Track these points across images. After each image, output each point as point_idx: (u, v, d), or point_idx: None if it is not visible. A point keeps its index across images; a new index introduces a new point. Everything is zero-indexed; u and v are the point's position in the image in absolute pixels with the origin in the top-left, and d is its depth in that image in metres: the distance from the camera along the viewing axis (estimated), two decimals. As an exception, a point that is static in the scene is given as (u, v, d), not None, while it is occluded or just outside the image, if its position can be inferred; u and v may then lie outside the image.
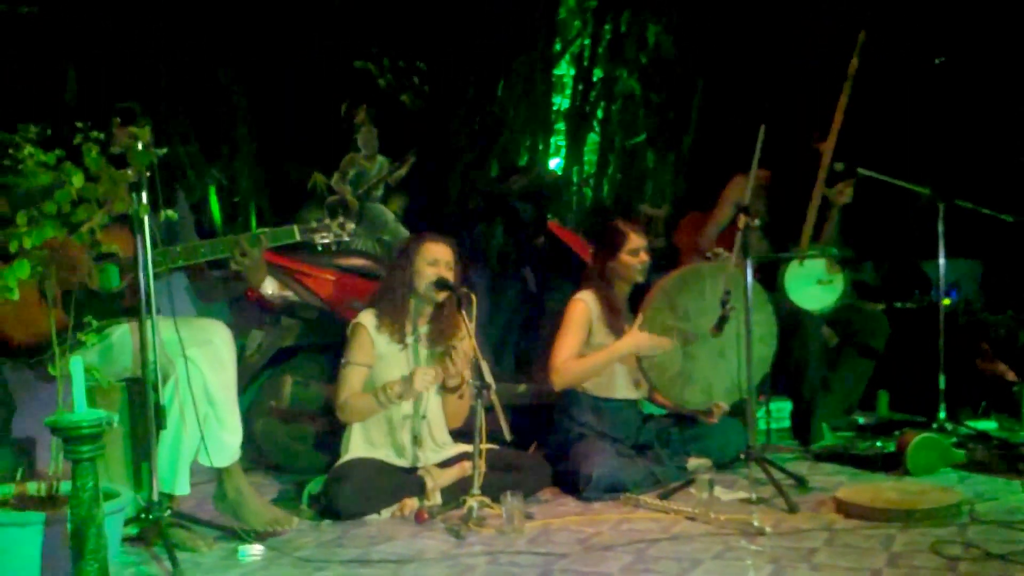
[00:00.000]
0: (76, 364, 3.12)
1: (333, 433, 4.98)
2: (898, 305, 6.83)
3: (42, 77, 6.48)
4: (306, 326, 5.63)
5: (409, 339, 4.74)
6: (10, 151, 3.39)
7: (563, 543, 4.07)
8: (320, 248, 4.38)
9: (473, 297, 4.53)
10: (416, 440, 4.71)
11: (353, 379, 4.68)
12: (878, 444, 5.44)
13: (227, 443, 4.14)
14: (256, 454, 5.44)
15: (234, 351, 4.24)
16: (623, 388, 5.13)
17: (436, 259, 4.70)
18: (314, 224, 4.32)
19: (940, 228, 5.76)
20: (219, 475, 4.21)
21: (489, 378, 4.33)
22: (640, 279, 5.13)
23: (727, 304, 4.71)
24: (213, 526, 4.13)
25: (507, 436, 4.32)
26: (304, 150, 7.10)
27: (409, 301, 4.74)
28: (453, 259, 4.75)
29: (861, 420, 6.16)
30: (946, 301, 6.11)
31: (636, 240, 5.11)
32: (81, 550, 3.02)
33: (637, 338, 4.94)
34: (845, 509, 4.35)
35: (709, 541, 4.05)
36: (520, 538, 4.14)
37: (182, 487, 4.08)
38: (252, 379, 5.51)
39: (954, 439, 5.49)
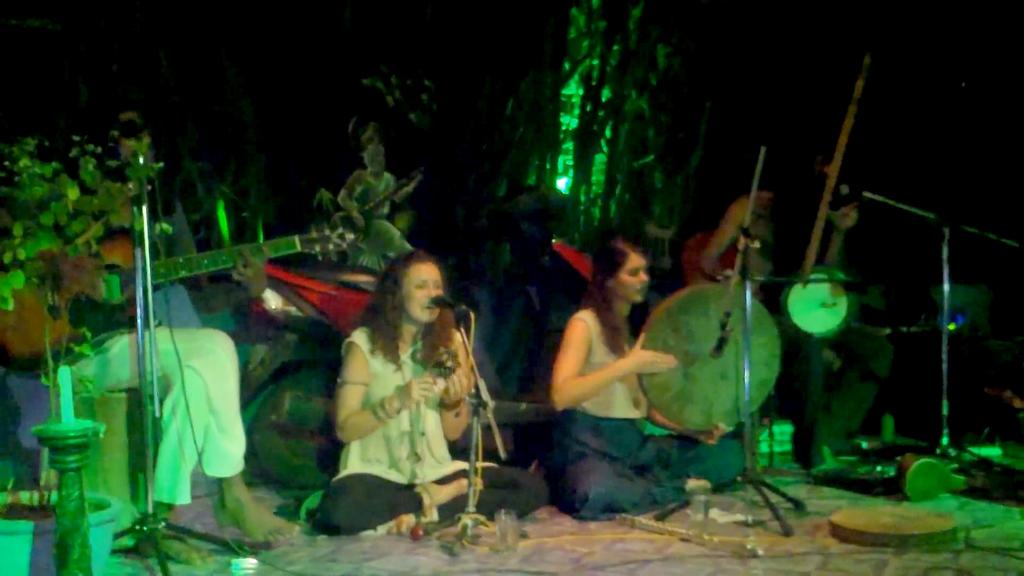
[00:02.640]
0: (64, 374, 3.13)
1: (333, 448, 4.99)
2: (904, 330, 6.81)
3: (53, 90, 6.55)
4: (309, 341, 5.65)
5: (403, 357, 4.75)
6: (6, 163, 3.42)
7: (555, 562, 4.07)
8: (321, 259, 4.40)
9: (472, 314, 4.53)
10: (415, 456, 4.71)
11: (350, 398, 4.69)
12: (878, 469, 5.43)
13: (229, 453, 4.16)
14: (257, 468, 5.45)
15: (236, 361, 4.25)
16: (622, 407, 5.13)
17: (424, 280, 4.70)
18: (314, 234, 4.33)
19: (945, 253, 5.74)
20: (220, 485, 4.23)
21: (486, 396, 4.33)
22: (639, 299, 5.13)
23: (726, 326, 4.72)
24: (208, 538, 4.13)
25: (502, 454, 4.33)
26: (311, 166, 7.14)
27: (402, 323, 4.75)
28: (440, 276, 4.75)
29: (864, 444, 6.14)
30: (952, 326, 6.10)
31: (636, 260, 5.11)
32: (65, 560, 3.03)
33: (639, 356, 4.94)
34: (840, 533, 4.34)
35: (701, 562, 4.04)
36: (513, 556, 4.13)
37: (183, 497, 4.09)
38: (255, 393, 5.53)
39: (956, 465, 5.46)
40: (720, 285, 4.88)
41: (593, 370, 5.02)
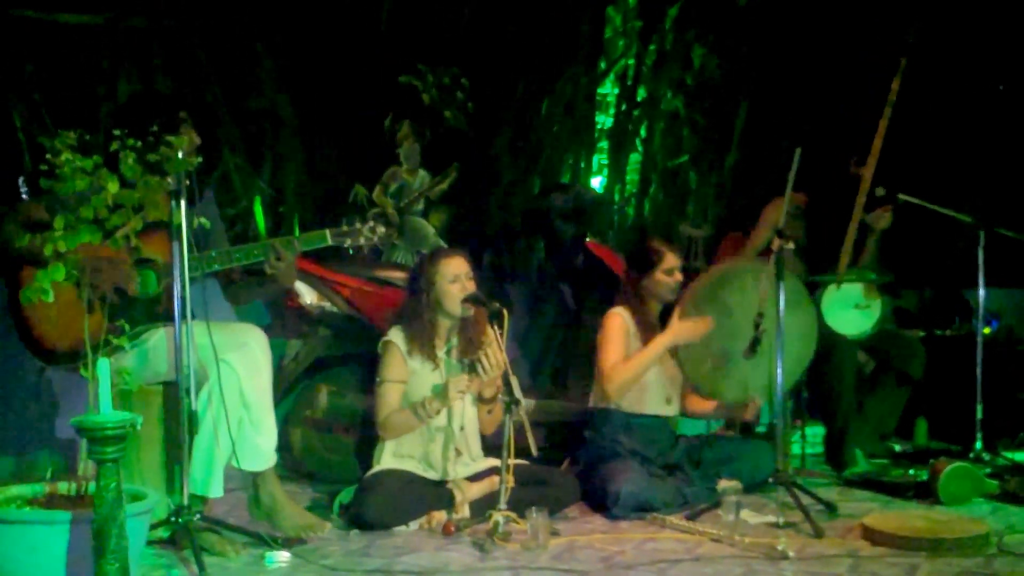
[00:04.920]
0: (103, 366, 3.17)
1: (367, 443, 5.01)
2: (938, 333, 6.77)
3: (93, 85, 6.61)
4: (343, 337, 5.68)
5: (440, 353, 4.77)
6: (48, 157, 3.46)
7: (586, 560, 4.08)
8: (353, 253, 4.43)
9: (505, 312, 4.55)
10: (455, 452, 4.73)
11: (390, 397, 4.71)
12: (911, 472, 5.41)
13: (261, 447, 4.19)
14: (291, 463, 5.50)
15: (270, 356, 4.28)
16: (654, 404, 5.14)
17: (456, 275, 4.71)
18: (345, 228, 4.36)
19: (980, 256, 5.71)
20: (254, 480, 4.26)
21: (519, 394, 4.35)
22: (672, 298, 5.14)
23: (759, 326, 4.72)
24: (243, 531, 4.17)
25: (533, 451, 4.34)
26: (348, 162, 7.17)
27: (438, 321, 4.77)
28: (471, 269, 4.77)
29: (897, 447, 6.12)
30: (987, 330, 6.07)
31: (671, 259, 5.13)
32: (103, 549, 3.06)
33: (678, 328, 4.98)
34: (872, 536, 4.33)
35: (732, 563, 4.05)
36: (544, 554, 4.15)
37: (216, 490, 4.13)
38: (289, 388, 5.56)
39: (989, 469, 5.44)
40: (757, 262, 4.88)
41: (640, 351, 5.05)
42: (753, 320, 4.80)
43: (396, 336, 4.75)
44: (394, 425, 4.68)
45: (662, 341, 5.00)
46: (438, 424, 4.72)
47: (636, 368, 5.00)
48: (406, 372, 4.73)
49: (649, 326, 5.12)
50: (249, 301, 4.63)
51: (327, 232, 4.33)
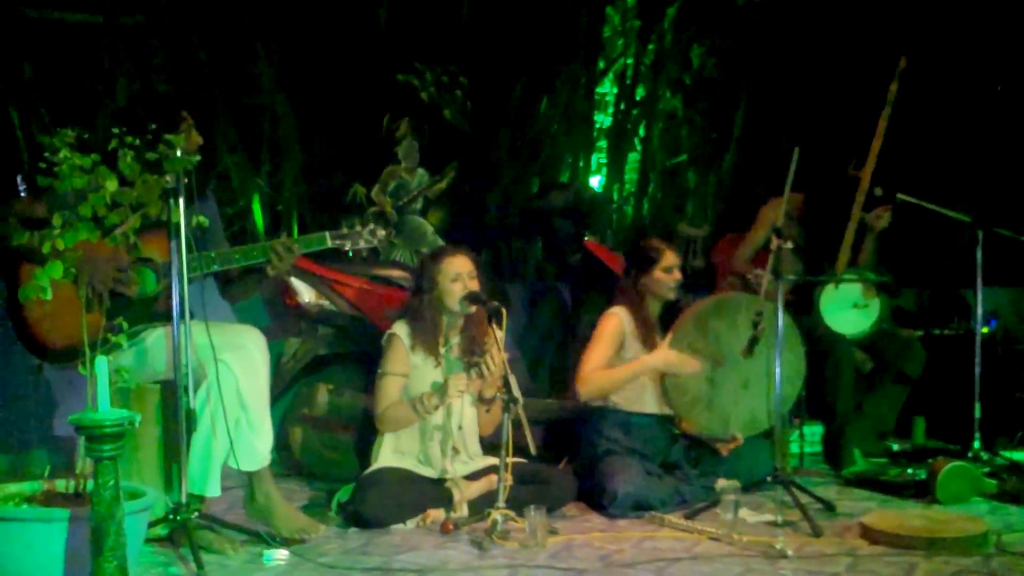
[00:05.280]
0: (101, 364, 3.17)
1: (366, 441, 5.02)
2: (936, 332, 6.78)
3: (92, 83, 6.61)
4: (341, 335, 5.69)
5: (442, 350, 4.78)
6: (46, 154, 3.46)
7: (584, 559, 4.08)
8: (351, 255, 4.43)
9: (503, 311, 4.55)
10: (452, 451, 4.73)
11: (391, 389, 4.72)
12: (909, 471, 5.40)
13: (257, 448, 4.19)
14: (290, 461, 5.50)
15: (267, 356, 4.29)
16: (652, 403, 5.14)
17: (458, 273, 4.72)
18: (345, 230, 4.36)
19: (979, 256, 5.72)
20: (249, 480, 4.26)
21: (517, 392, 4.35)
22: (672, 296, 5.15)
23: (759, 325, 4.72)
24: (240, 529, 4.17)
25: (532, 450, 4.34)
26: (346, 161, 7.17)
27: (441, 320, 4.77)
28: (474, 268, 4.77)
29: (895, 446, 6.12)
30: (985, 329, 6.07)
31: (670, 257, 5.14)
32: (100, 547, 3.06)
33: (666, 355, 4.98)
34: (870, 535, 4.34)
35: (730, 562, 4.05)
36: (542, 552, 4.15)
37: (213, 489, 4.13)
38: (287, 387, 5.57)
39: (987, 469, 5.44)
40: (751, 295, 4.90)
41: (624, 364, 5.04)
42: (752, 320, 4.80)
43: (400, 330, 4.76)
44: (392, 418, 4.68)
45: (646, 363, 5.01)
46: (436, 422, 4.72)
47: (612, 380, 5.02)
48: (408, 366, 4.74)
49: (648, 325, 5.12)
50: (246, 297, 4.63)
51: (327, 235, 4.34)
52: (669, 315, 5.15)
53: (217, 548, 4.03)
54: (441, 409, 4.68)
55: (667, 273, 5.13)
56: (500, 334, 4.52)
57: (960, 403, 5.83)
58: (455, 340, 4.82)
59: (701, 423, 5.13)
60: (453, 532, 4.40)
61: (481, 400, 4.77)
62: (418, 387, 4.70)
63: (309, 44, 7.14)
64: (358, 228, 4.37)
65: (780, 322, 4.68)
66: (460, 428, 4.77)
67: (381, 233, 4.41)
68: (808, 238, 5.64)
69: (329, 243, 4.34)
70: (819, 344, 5.47)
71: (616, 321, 5.10)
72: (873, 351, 5.96)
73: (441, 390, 4.60)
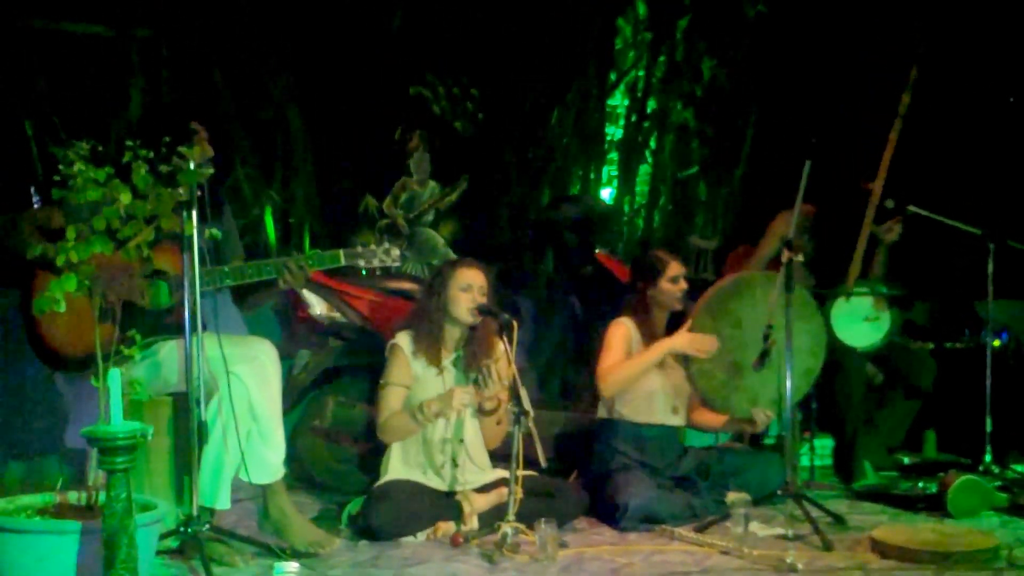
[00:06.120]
0: (114, 376, 3.19)
1: (376, 454, 5.02)
2: (948, 345, 6.76)
3: (106, 96, 6.63)
4: (352, 347, 5.70)
5: (445, 362, 4.78)
6: (60, 167, 3.47)
7: (594, 572, 4.08)
8: (364, 272, 4.44)
9: (515, 324, 4.56)
10: (455, 463, 4.74)
11: (392, 400, 4.73)
12: (920, 485, 5.38)
13: (269, 460, 4.20)
14: (300, 473, 5.50)
15: (279, 369, 4.30)
16: (661, 413, 5.14)
17: (469, 284, 4.73)
18: (359, 248, 4.38)
19: (990, 268, 5.71)
20: (263, 494, 4.27)
21: (527, 405, 4.35)
22: (679, 306, 5.16)
23: (768, 338, 4.72)
24: (251, 542, 4.17)
25: (542, 463, 4.34)
26: (358, 174, 7.19)
27: (444, 326, 4.78)
28: (487, 283, 4.78)
29: (906, 460, 6.11)
30: (996, 342, 6.06)
31: (676, 267, 5.16)
32: (112, 560, 3.07)
33: (684, 336, 4.97)
34: (881, 549, 4.32)
35: (740, 575, 4.04)
36: (553, 566, 4.15)
37: (223, 502, 4.14)
38: (298, 398, 5.57)
39: (999, 482, 5.43)
40: (767, 272, 4.89)
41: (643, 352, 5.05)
42: (762, 332, 4.80)
43: (403, 339, 4.77)
44: (393, 428, 4.69)
45: (663, 346, 5.00)
46: (443, 435, 4.72)
47: (633, 368, 5.00)
48: (410, 376, 4.74)
49: (654, 336, 5.12)
50: (260, 305, 4.65)
51: (341, 253, 4.35)
52: (675, 325, 5.15)
53: (228, 561, 4.04)
54: (445, 421, 4.69)
55: (673, 283, 5.14)
56: (511, 347, 4.52)
57: (971, 416, 5.83)
58: (458, 352, 4.82)
59: (732, 405, 5.11)
60: (463, 545, 4.40)
61: (481, 412, 4.77)
62: (421, 397, 4.69)
63: (321, 57, 7.16)
64: (372, 247, 4.39)
65: (789, 338, 4.68)
66: (461, 441, 4.76)
67: (395, 253, 4.43)
68: (820, 250, 5.64)
69: (343, 261, 4.35)
70: (830, 357, 5.46)
71: (624, 329, 5.11)
72: (884, 364, 5.95)
73: (442, 399, 4.60)
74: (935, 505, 5.07)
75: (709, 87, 8.49)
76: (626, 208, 8.47)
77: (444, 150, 6.89)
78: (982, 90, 7.69)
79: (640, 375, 5.03)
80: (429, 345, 4.74)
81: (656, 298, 5.14)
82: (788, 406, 4.73)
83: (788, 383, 4.69)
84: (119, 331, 3.76)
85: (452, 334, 4.80)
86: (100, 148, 3.55)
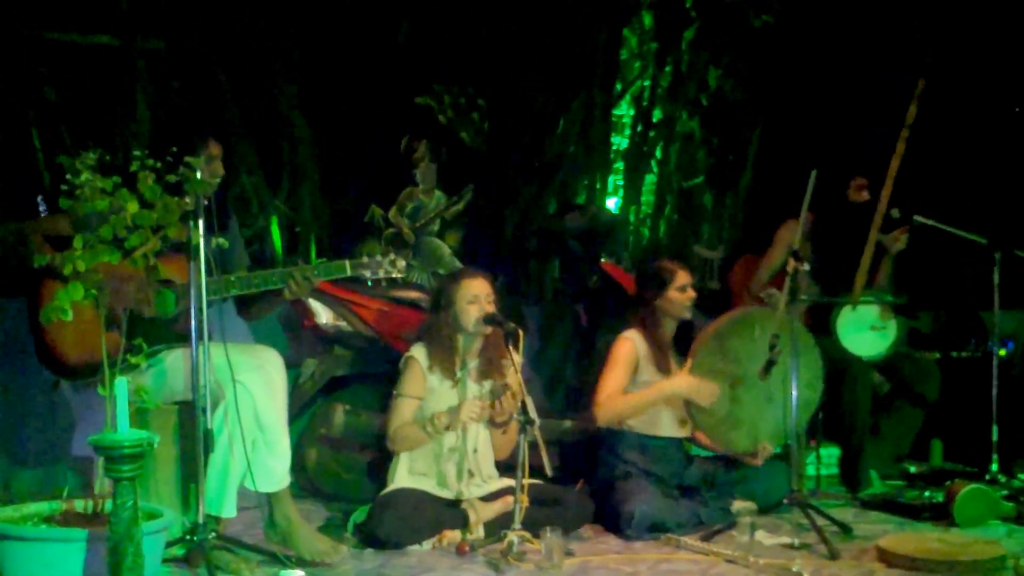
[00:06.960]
0: (120, 385, 3.19)
1: (383, 462, 5.02)
2: (954, 354, 6.76)
3: (113, 106, 6.65)
4: (359, 356, 5.70)
5: (459, 374, 4.79)
6: (68, 176, 3.49)
7: (600, 581, 4.09)
8: (370, 283, 4.44)
9: (520, 332, 4.57)
10: (465, 473, 4.74)
11: (404, 410, 4.74)
12: (926, 494, 5.38)
13: (275, 469, 4.21)
14: (306, 482, 5.51)
15: (285, 377, 4.31)
16: (668, 426, 5.14)
17: (476, 295, 4.74)
18: (365, 259, 4.39)
19: (996, 278, 5.71)
20: (269, 502, 4.27)
21: (533, 414, 4.36)
22: (688, 315, 5.16)
23: (775, 348, 4.72)
24: (257, 550, 4.18)
25: (548, 471, 4.35)
26: (364, 183, 7.19)
27: (457, 339, 4.79)
28: (492, 291, 4.79)
29: (912, 469, 6.10)
30: (1002, 352, 6.06)
31: (684, 276, 5.15)
32: (118, 567, 3.08)
33: (686, 381, 4.97)
34: (887, 558, 4.33)
35: (746, 584, 4.05)
36: (558, 574, 4.15)
37: (229, 510, 4.15)
38: (304, 407, 5.58)
39: (1005, 492, 5.41)
40: (765, 308, 4.90)
41: (639, 388, 5.04)
42: (768, 343, 4.80)
43: (419, 352, 4.78)
44: (402, 438, 4.70)
45: (666, 388, 5.01)
46: (451, 444, 4.74)
47: (630, 406, 5.02)
48: (424, 389, 4.76)
49: (663, 347, 5.13)
50: (264, 316, 4.66)
51: (347, 263, 4.36)
52: (682, 336, 5.15)
53: (233, 569, 4.03)
54: (456, 432, 4.69)
55: (682, 292, 5.14)
56: (517, 356, 4.54)
57: (978, 425, 5.82)
58: (473, 363, 4.83)
59: (732, 441, 5.11)
60: (469, 554, 4.41)
61: (493, 424, 4.78)
62: (434, 409, 4.72)
63: (328, 66, 7.17)
64: (378, 258, 4.40)
65: (796, 344, 4.68)
66: (476, 451, 4.78)
67: (401, 264, 4.44)
68: (825, 259, 5.63)
69: (349, 272, 4.36)
70: (836, 366, 5.46)
71: (629, 346, 5.10)
72: (890, 373, 5.96)
73: (452, 412, 4.61)
74: (941, 514, 5.08)
75: (715, 97, 8.50)
76: (632, 218, 8.47)
77: (450, 160, 6.89)
78: (988, 100, 7.69)
79: (637, 414, 5.04)
80: (444, 358, 4.76)
81: (665, 308, 5.14)
82: (793, 414, 4.73)
83: (794, 393, 4.70)
84: (125, 340, 3.77)
85: (465, 346, 4.82)
86: (107, 158, 3.56)
